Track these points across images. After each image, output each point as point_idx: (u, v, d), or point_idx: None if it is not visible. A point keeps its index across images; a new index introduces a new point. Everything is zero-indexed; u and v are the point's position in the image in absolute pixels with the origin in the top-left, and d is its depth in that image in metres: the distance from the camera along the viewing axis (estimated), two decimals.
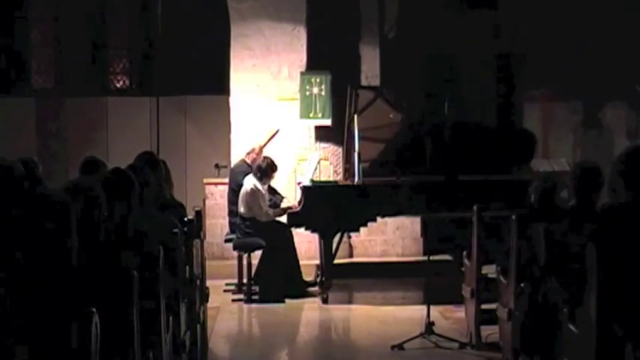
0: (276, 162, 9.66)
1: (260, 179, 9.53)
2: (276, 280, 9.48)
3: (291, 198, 10.12)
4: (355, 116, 9.50)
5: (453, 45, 11.63)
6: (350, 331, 8.83)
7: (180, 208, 6.90)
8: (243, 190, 9.54)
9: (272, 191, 9.92)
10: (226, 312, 9.09)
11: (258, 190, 9.50)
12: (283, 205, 9.81)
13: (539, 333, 5.07)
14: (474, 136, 9.84)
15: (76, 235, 3.28)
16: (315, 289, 9.78)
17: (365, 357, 7.47)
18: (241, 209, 9.56)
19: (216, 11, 11.87)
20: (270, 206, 9.67)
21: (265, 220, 9.53)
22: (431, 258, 8.01)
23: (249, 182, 9.53)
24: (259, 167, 9.57)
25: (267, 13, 10.98)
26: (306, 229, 9.49)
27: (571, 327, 4.20)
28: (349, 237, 11.00)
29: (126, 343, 3.61)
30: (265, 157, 9.72)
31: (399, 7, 11.61)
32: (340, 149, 10.64)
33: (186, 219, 6.63)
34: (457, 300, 7.90)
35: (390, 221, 11.13)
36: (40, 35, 13.33)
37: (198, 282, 6.76)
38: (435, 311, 7.96)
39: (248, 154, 10.20)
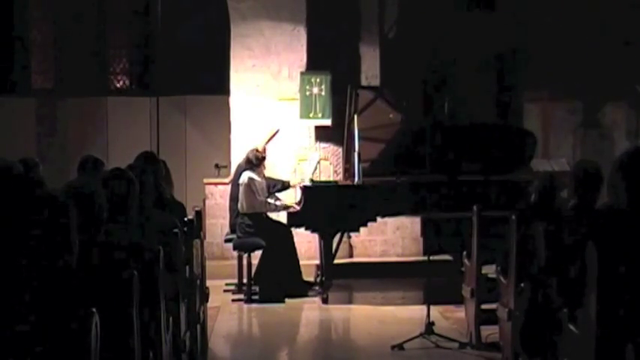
0: (262, 151, 9.75)
1: (252, 170, 9.58)
2: (276, 280, 9.48)
3: (292, 198, 10.11)
4: (355, 116, 9.50)
5: (453, 45, 11.63)
6: (350, 331, 8.82)
7: (181, 208, 6.91)
8: (241, 185, 9.59)
9: (273, 180, 9.95)
10: (226, 312, 9.09)
11: (254, 179, 9.55)
12: (286, 202, 9.83)
13: (539, 333, 5.07)
14: (474, 137, 9.83)
15: (76, 236, 3.27)
16: (316, 289, 9.78)
17: (365, 357, 7.46)
18: (241, 205, 9.58)
19: (216, 11, 11.87)
20: (277, 191, 9.71)
21: (264, 210, 9.56)
22: (431, 258, 8.01)
23: (245, 175, 9.60)
24: (248, 158, 9.66)
25: (267, 13, 10.98)
26: (306, 229, 9.50)
27: (571, 327, 4.20)
28: (349, 237, 10.99)
29: (126, 343, 3.61)
30: (252, 149, 9.76)
31: (399, 7, 11.60)
32: (340, 149, 10.64)
33: (186, 219, 6.63)
34: (457, 300, 7.89)
35: (390, 221, 11.12)
36: (40, 35, 13.32)
37: (198, 282, 6.76)
38: (435, 311, 7.95)
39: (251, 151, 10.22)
